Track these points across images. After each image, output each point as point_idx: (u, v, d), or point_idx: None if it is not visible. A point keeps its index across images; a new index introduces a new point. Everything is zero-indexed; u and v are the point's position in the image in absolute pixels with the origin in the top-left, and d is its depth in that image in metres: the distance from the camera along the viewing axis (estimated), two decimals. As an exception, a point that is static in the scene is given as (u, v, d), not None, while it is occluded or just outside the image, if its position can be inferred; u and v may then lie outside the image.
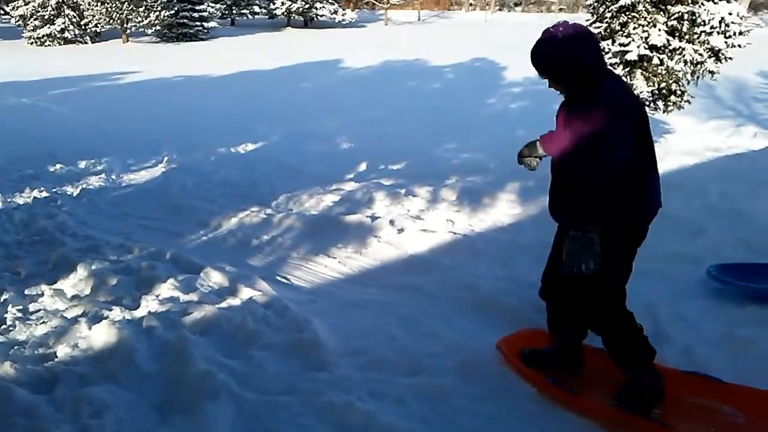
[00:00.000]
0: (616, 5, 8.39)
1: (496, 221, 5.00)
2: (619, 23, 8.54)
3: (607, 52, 8.64)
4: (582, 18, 12.12)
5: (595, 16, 8.96)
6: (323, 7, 39.99)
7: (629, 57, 8.32)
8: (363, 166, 8.00)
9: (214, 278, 3.95)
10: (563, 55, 2.17)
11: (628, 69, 8.51)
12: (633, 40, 8.34)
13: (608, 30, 8.72)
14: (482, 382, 2.71)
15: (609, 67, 2.32)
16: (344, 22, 40.54)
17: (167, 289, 3.76)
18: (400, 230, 4.84)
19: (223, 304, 3.45)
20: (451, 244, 4.49)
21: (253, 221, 5.48)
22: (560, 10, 44.87)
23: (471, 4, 56.51)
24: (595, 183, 2.11)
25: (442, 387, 2.65)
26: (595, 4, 8.94)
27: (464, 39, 30.79)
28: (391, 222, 4.99)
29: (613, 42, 8.61)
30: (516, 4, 56.35)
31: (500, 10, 52.73)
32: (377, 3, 46.25)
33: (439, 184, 6.21)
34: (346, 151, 9.71)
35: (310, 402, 2.50)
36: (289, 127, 11.41)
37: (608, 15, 8.65)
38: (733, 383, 2.43)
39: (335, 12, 40.39)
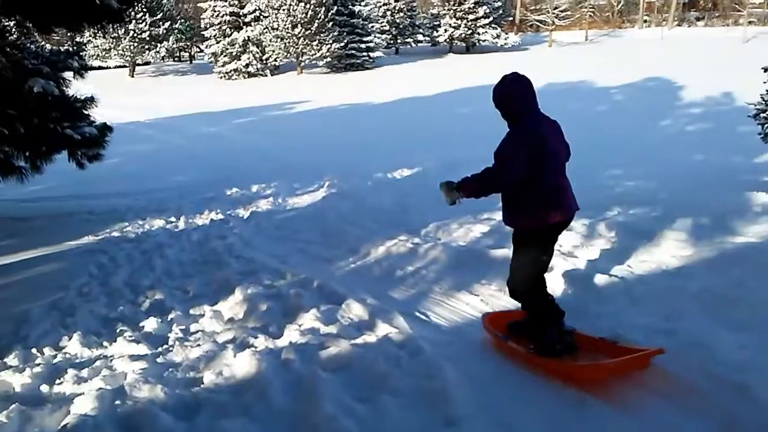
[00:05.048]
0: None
1: (660, 264, 4.42)
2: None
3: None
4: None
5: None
6: (485, 32, 39.92)
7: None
8: (517, 195, 7.69)
9: (355, 310, 3.99)
10: (504, 94, 3.14)
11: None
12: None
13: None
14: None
15: (539, 108, 3.19)
16: (507, 46, 40.01)
17: (310, 319, 3.87)
18: (550, 269, 4.52)
19: (359, 340, 3.45)
20: (605, 288, 4.05)
21: (399, 250, 5.49)
22: (750, 23, 39.81)
23: (645, 21, 52.73)
24: (498, 183, 3.22)
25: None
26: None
27: (636, 58, 28.86)
28: (541, 259, 4.68)
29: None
30: (698, 19, 51.08)
31: (679, 25, 48.23)
32: (542, 25, 45.03)
33: (597, 217, 5.77)
34: (500, 178, 9.44)
35: (434, 462, 2.35)
36: (444, 153, 11.41)
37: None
38: (622, 344, 3.13)
39: (497, 36, 40.07)
